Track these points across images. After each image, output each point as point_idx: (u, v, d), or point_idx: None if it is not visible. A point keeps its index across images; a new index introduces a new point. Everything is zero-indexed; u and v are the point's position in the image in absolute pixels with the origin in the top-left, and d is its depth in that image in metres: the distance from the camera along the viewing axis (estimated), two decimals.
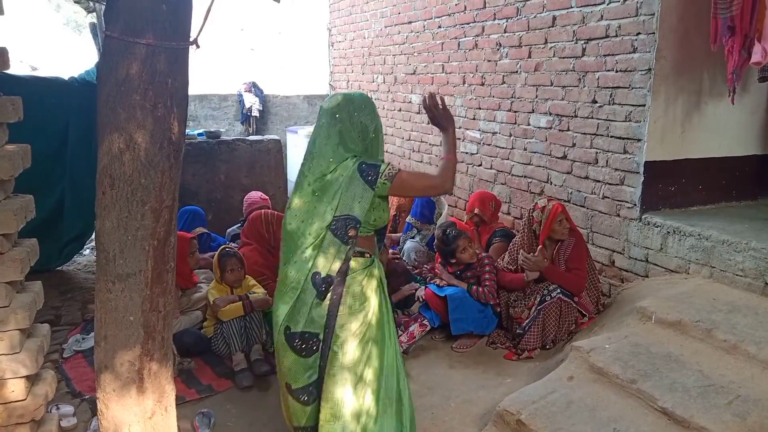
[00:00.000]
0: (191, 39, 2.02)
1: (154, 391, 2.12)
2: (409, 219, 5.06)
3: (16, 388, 2.21)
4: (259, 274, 3.97)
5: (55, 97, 4.26)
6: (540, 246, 3.57)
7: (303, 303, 2.20)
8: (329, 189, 2.21)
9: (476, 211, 4.34)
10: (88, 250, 5.30)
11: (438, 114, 2.43)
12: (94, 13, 5.39)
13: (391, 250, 4.48)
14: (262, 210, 4.24)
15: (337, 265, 2.19)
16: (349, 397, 2.19)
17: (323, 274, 2.19)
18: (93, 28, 5.44)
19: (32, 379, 2.34)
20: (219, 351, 3.52)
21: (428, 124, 5.87)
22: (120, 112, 1.89)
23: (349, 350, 2.19)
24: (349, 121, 2.25)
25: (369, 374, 2.22)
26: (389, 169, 2.25)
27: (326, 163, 2.23)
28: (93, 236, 5.00)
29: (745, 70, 3.33)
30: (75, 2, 5.39)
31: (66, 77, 4.45)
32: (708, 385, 2.52)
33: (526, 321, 3.54)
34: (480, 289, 3.68)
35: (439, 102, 2.41)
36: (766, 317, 2.84)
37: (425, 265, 4.66)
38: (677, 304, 3.06)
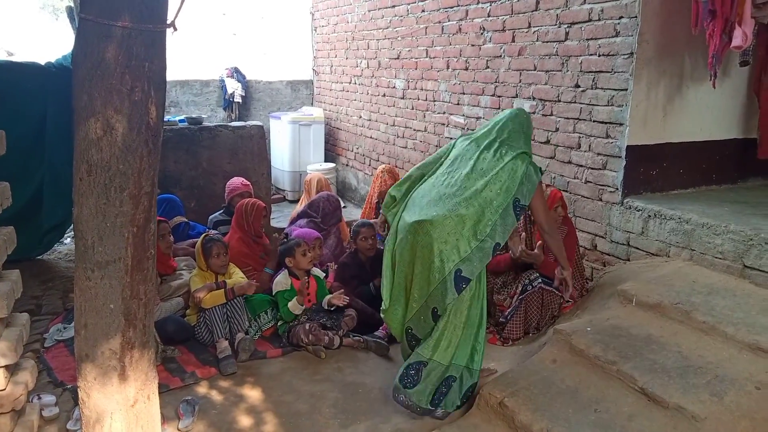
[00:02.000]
0: (168, 22, 1.98)
1: (136, 379, 2.10)
2: None
3: None
4: (244, 264, 3.94)
5: (32, 83, 4.16)
6: (540, 242, 3.55)
7: (477, 259, 2.68)
8: (505, 174, 2.76)
9: None
10: (68, 239, 5.23)
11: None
12: None
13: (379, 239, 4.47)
14: (244, 200, 4.21)
15: (506, 237, 2.76)
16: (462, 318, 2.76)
17: (502, 244, 2.75)
18: (70, 11, 5.31)
19: (12, 369, 2.32)
20: (202, 339, 3.51)
21: (412, 109, 5.86)
22: (96, 96, 1.85)
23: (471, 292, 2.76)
24: (528, 127, 2.99)
25: (479, 306, 2.80)
26: (542, 176, 2.91)
27: (504, 156, 2.81)
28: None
29: (726, 54, 3.36)
30: None
31: (43, 62, 4.35)
32: (687, 365, 2.56)
33: (509, 310, 3.55)
34: None
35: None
36: (744, 299, 2.89)
37: None
38: (657, 287, 3.10)
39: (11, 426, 2.28)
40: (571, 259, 3.57)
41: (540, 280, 3.51)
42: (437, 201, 2.77)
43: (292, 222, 4.77)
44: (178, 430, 2.73)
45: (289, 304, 3.54)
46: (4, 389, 2.23)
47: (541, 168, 2.90)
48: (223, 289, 3.52)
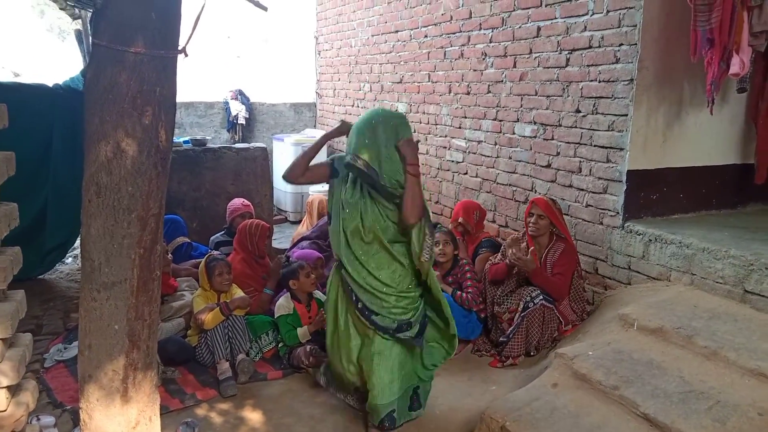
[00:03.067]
0: (180, 47, 2.02)
1: (138, 400, 2.10)
2: None
3: None
4: (246, 285, 3.94)
5: (39, 104, 4.21)
6: (532, 248, 3.61)
7: None
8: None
9: (460, 220, 4.37)
10: (70, 259, 5.25)
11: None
12: (80, 20, 5.36)
13: None
14: (248, 221, 4.23)
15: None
16: None
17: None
18: (78, 34, 5.41)
19: (13, 390, 2.31)
20: (203, 360, 3.50)
21: (414, 132, 5.92)
22: (107, 120, 1.89)
23: None
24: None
25: None
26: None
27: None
28: (76, 244, 4.96)
29: (724, 81, 3.41)
30: (60, 9, 5.36)
31: (50, 84, 4.41)
32: (688, 390, 2.56)
33: (510, 329, 3.56)
34: (464, 294, 3.71)
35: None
36: (745, 324, 2.89)
37: None
38: (659, 311, 3.10)
39: None
40: (565, 275, 3.60)
41: (542, 297, 3.52)
42: None
43: (295, 245, 4.78)
44: None
45: (300, 332, 3.54)
46: (6, 410, 2.23)
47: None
48: (219, 307, 3.51)
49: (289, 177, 2.93)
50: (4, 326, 2.18)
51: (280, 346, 3.63)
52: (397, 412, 2.83)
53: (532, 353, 3.55)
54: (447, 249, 3.82)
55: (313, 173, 2.93)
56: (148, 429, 2.17)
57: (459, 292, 3.73)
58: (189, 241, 4.65)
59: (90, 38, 2.09)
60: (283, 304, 3.65)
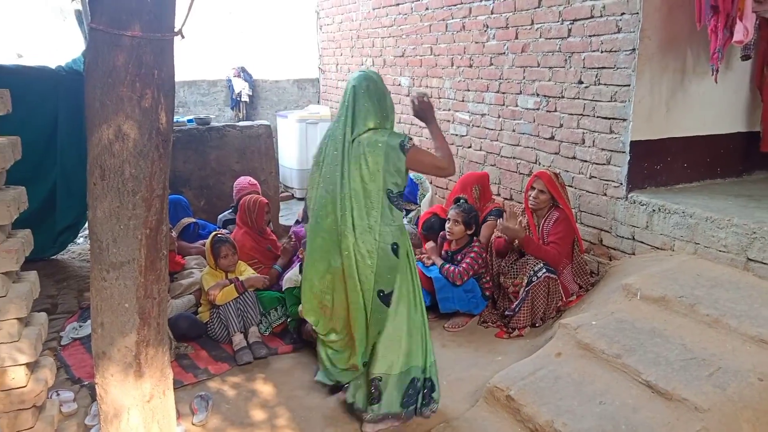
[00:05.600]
0: (176, 30, 2.03)
1: (151, 375, 2.17)
2: None
3: (16, 376, 2.27)
4: (250, 257, 4.03)
5: (43, 87, 4.24)
6: (520, 218, 3.64)
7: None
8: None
9: (460, 197, 4.38)
10: (82, 239, 5.33)
11: (422, 107, 2.83)
12: (79, 0, 5.35)
13: None
14: (247, 197, 4.28)
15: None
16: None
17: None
18: (78, 15, 5.40)
19: (32, 367, 2.40)
20: (216, 335, 3.58)
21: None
22: (107, 103, 1.91)
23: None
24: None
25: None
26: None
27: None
28: (87, 224, 5.03)
29: (728, 49, 3.37)
30: None
31: (53, 66, 4.42)
32: (690, 358, 2.60)
33: (515, 303, 3.60)
34: (451, 267, 3.73)
35: (425, 99, 2.82)
36: (747, 291, 2.92)
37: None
38: (662, 281, 3.13)
39: (33, 421, 2.37)
40: (559, 244, 3.61)
41: (544, 269, 3.55)
42: None
43: (299, 222, 4.82)
44: (193, 424, 2.80)
45: None
46: (26, 386, 2.31)
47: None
48: (233, 285, 3.59)
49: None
50: (19, 306, 2.26)
51: (289, 321, 3.70)
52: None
53: (537, 324, 3.60)
54: (454, 228, 3.80)
55: None
56: (162, 402, 2.24)
57: (447, 265, 3.75)
58: (194, 220, 4.70)
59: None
60: (292, 278, 3.70)
